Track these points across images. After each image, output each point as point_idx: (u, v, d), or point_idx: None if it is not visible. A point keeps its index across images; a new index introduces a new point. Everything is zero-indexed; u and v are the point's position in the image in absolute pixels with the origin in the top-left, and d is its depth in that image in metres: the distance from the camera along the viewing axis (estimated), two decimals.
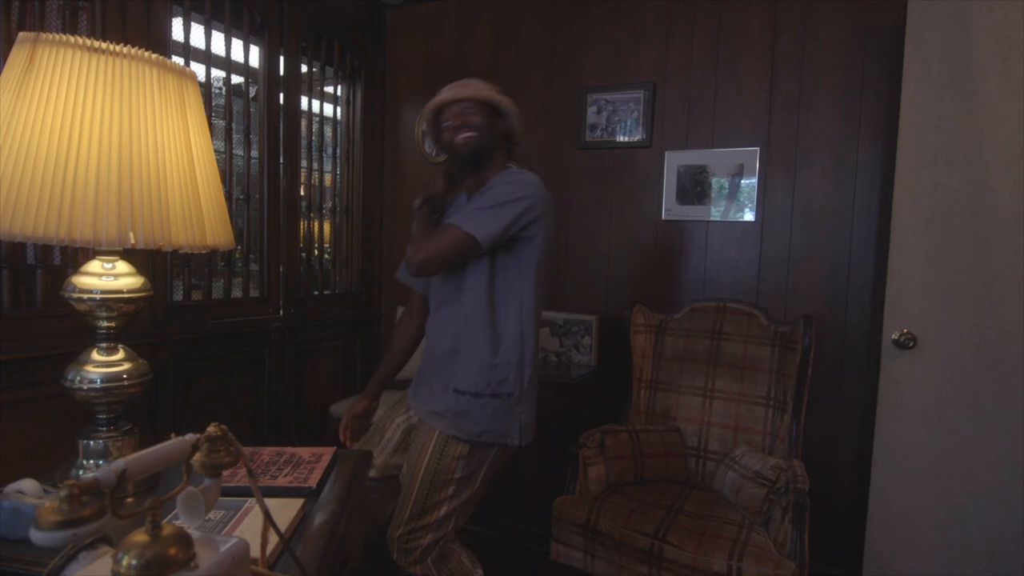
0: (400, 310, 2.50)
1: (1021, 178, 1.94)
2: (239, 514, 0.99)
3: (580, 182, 2.99)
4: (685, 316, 2.58)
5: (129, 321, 1.14)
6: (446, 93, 1.59)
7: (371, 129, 3.39)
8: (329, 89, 3.33)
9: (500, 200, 1.51)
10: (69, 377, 1.08)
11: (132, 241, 1.00)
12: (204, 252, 1.17)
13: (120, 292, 1.09)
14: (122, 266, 1.12)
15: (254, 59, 2.74)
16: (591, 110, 2.92)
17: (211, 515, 0.96)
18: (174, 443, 0.69)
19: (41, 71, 0.96)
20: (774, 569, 1.73)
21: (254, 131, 2.70)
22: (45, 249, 1.93)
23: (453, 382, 1.60)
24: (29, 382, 1.82)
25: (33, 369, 1.82)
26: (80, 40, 0.98)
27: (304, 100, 2.99)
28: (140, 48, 1.04)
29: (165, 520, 0.62)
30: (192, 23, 2.41)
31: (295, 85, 2.86)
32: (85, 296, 1.07)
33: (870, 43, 2.42)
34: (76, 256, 1.99)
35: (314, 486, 1.13)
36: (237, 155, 2.69)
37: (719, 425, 2.35)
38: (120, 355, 1.12)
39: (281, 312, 2.82)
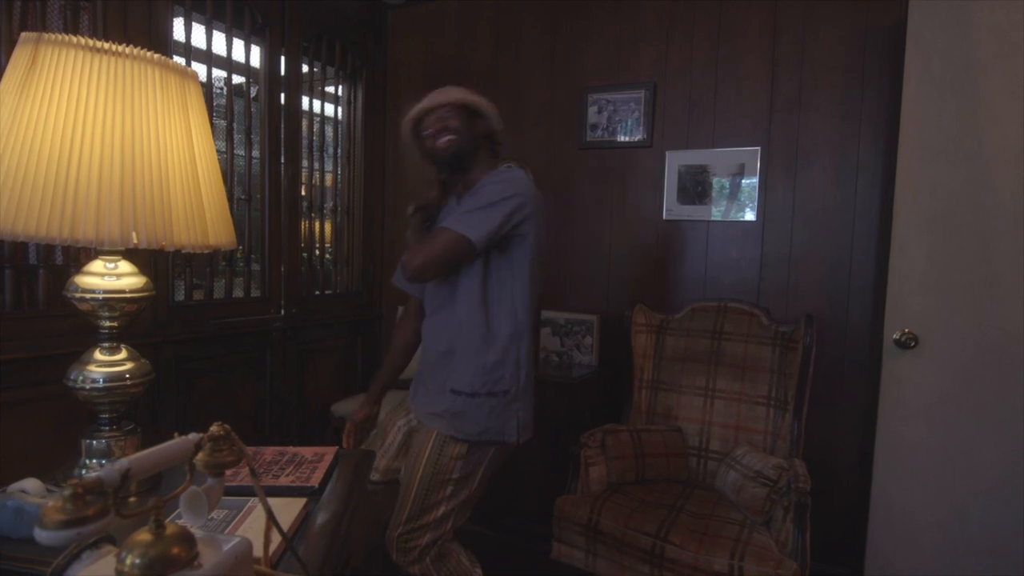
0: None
1: (1022, 177, 1.94)
2: (241, 513, 0.99)
3: (581, 182, 2.99)
4: (686, 316, 2.58)
5: (131, 321, 1.14)
6: (422, 103, 1.61)
7: (372, 129, 3.39)
8: (330, 89, 3.33)
9: (490, 200, 1.52)
10: (72, 377, 1.08)
11: (135, 241, 1.00)
12: (206, 252, 1.18)
13: (123, 292, 1.09)
14: (124, 266, 1.12)
15: (255, 59, 2.74)
16: (592, 110, 2.92)
17: (213, 514, 0.96)
18: (177, 442, 0.69)
19: (44, 71, 0.96)
20: (776, 569, 1.73)
21: (255, 131, 2.71)
22: (47, 249, 1.94)
23: (449, 383, 1.61)
24: (31, 382, 1.82)
25: (35, 369, 1.82)
26: (83, 40, 0.98)
27: (305, 100, 2.99)
28: (142, 48, 1.04)
29: (168, 519, 0.62)
30: (193, 23, 2.42)
31: (296, 85, 2.86)
32: (88, 296, 1.07)
33: (870, 43, 2.41)
34: (78, 256, 2.00)
35: (316, 486, 1.13)
36: (238, 155, 2.69)
37: (720, 425, 2.35)
38: (123, 355, 1.12)
39: (282, 312, 2.82)
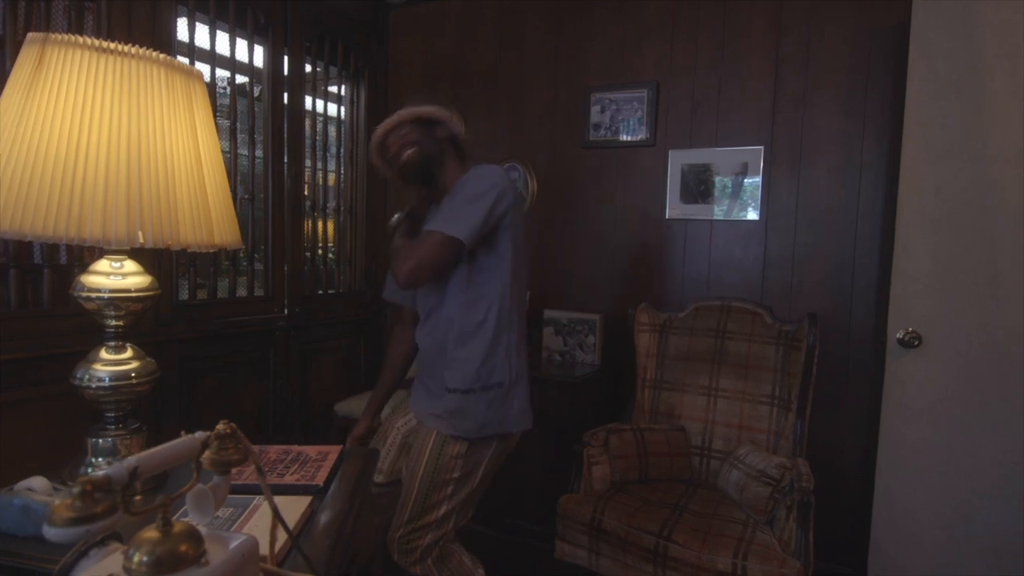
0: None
1: None
2: (247, 511, 0.99)
3: (584, 181, 2.99)
4: (689, 315, 2.58)
5: (137, 320, 1.14)
6: (378, 131, 1.68)
7: (374, 128, 3.38)
8: (333, 89, 3.33)
9: (470, 196, 1.53)
10: (78, 375, 1.08)
11: (141, 240, 1.00)
12: (211, 251, 1.18)
13: (128, 291, 1.09)
14: (130, 265, 1.12)
15: (258, 59, 2.75)
16: (595, 109, 2.92)
17: (219, 513, 0.97)
18: (184, 440, 0.69)
19: (50, 71, 0.97)
20: (779, 568, 1.73)
21: (258, 131, 2.71)
22: (51, 248, 1.94)
23: (445, 382, 1.62)
24: (35, 381, 1.82)
25: (39, 368, 1.83)
26: (89, 40, 0.99)
27: (308, 100, 3.00)
28: (147, 48, 1.04)
29: (174, 517, 0.62)
30: (197, 23, 2.42)
31: (299, 85, 2.86)
32: (94, 295, 1.07)
33: (874, 43, 2.41)
34: (82, 255, 2.00)
35: (321, 484, 1.14)
36: (241, 155, 2.70)
37: (723, 424, 2.35)
38: (128, 353, 1.13)
39: (285, 311, 2.83)
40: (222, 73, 2.62)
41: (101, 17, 2.02)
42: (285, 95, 2.79)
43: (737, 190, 2.65)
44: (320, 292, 3.15)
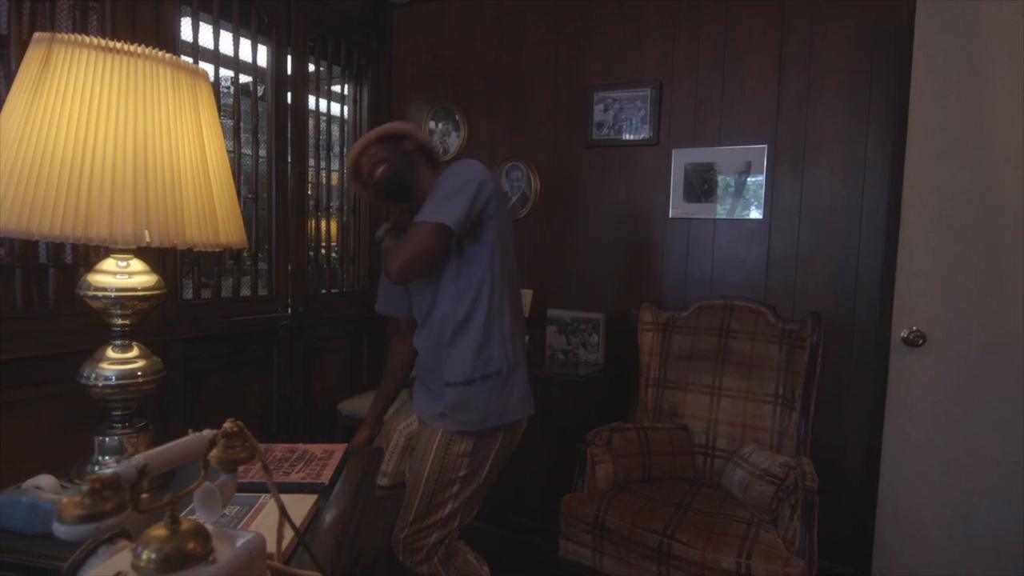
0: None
1: None
2: (253, 509, 1.00)
3: (587, 180, 2.99)
4: (692, 314, 2.58)
5: (143, 319, 1.15)
6: (350, 157, 1.70)
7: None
8: (336, 88, 3.33)
9: (452, 189, 1.54)
10: (85, 374, 1.09)
11: (147, 239, 1.01)
12: (217, 250, 1.18)
13: (135, 290, 1.10)
14: (136, 264, 1.13)
15: (262, 59, 2.75)
16: (598, 108, 2.92)
17: (226, 510, 0.97)
18: (192, 439, 0.70)
19: (57, 71, 0.97)
20: (783, 567, 1.73)
21: (262, 130, 2.72)
22: (57, 248, 1.95)
23: (444, 378, 1.62)
24: (40, 380, 1.83)
25: (42, 368, 1.83)
26: (95, 40, 0.99)
27: (311, 99, 3.00)
28: (152, 48, 1.05)
29: (181, 515, 0.63)
30: (200, 23, 2.42)
31: (302, 84, 2.87)
32: (100, 294, 1.08)
33: (878, 42, 2.41)
34: (87, 255, 2.01)
35: (327, 482, 1.14)
36: (245, 154, 2.71)
37: (727, 423, 2.35)
38: (135, 352, 1.13)
39: (289, 310, 2.83)
40: (226, 73, 2.62)
41: (105, 17, 2.02)
42: (288, 95, 2.79)
43: (740, 189, 2.65)
44: (324, 291, 3.16)
